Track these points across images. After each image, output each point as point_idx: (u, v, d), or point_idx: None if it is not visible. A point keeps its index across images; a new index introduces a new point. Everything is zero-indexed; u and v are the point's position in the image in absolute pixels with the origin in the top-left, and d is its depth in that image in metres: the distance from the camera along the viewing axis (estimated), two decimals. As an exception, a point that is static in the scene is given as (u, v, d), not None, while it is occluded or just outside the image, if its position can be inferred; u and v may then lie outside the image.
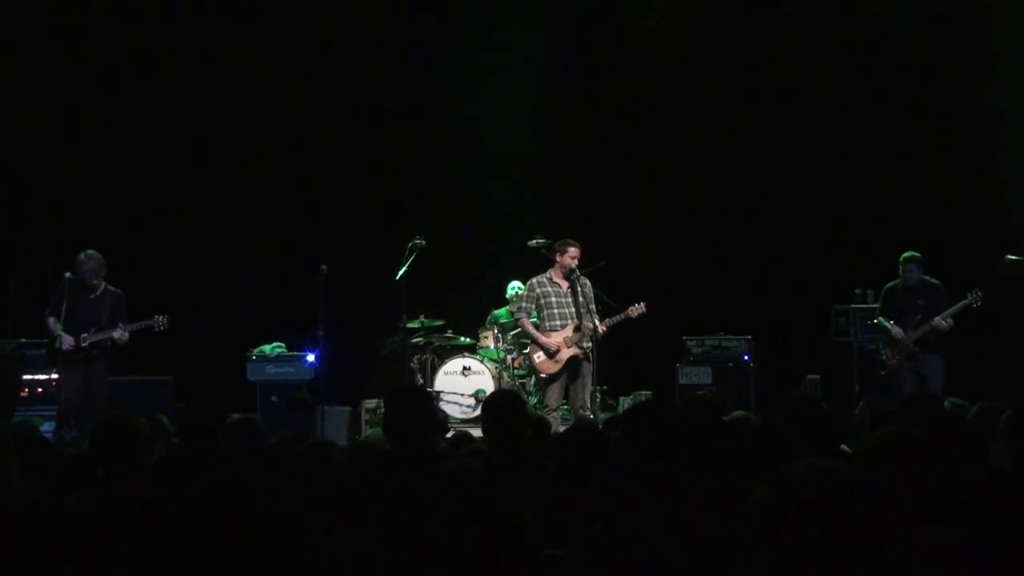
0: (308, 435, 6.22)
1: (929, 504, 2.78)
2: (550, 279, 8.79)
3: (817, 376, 10.11)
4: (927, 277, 8.99)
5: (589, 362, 8.61)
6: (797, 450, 3.85)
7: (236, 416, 5.05)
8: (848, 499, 1.42)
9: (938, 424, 3.58)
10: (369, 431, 9.21)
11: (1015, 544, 2.95)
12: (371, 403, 10.24)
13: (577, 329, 8.61)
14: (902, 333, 8.91)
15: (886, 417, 4.65)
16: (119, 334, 8.35)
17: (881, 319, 9.13)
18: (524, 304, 8.91)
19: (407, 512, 3.25)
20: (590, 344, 8.61)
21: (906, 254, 8.98)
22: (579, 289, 8.63)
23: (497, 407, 4.37)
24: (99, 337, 8.33)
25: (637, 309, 8.72)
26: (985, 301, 8.77)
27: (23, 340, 9.31)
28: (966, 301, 8.72)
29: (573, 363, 8.64)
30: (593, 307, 8.72)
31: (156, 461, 4.49)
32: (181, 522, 1.49)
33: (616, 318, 8.67)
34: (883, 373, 9.10)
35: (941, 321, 8.74)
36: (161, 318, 8.50)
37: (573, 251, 8.69)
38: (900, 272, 9.00)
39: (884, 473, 2.75)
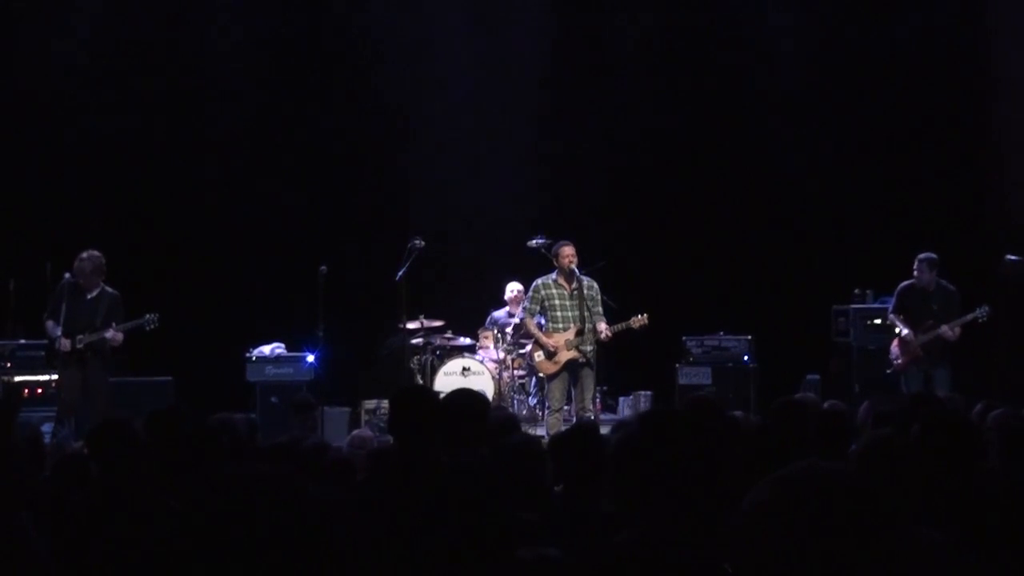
0: (309, 435, 6.26)
1: (925, 505, 2.78)
2: (555, 281, 8.80)
3: (817, 376, 10.12)
4: (943, 281, 8.99)
5: (590, 366, 8.60)
6: (799, 452, 3.85)
7: (218, 416, 5.01)
8: (847, 500, 1.41)
9: (939, 425, 3.57)
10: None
11: (1008, 544, 2.95)
12: (371, 403, 10.24)
13: (579, 333, 8.61)
14: (912, 335, 8.93)
15: (887, 418, 4.65)
16: (111, 335, 8.34)
17: (892, 317, 9.17)
18: (529, 305, 8.93)
19: (411, 512, 3.25)
20: (592, 347, 8.60)
21: (921, 255, 8.99)
22: (584, 292, 8.62)
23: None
24: (94, 339, 8.32)
25: (639, 320, 8.72)
26: (991, 314, 8.84)
27: (22, 341, 9.31)
28: (973, 315, 8.79)
29: (572, 366, 8.64)
30: (599, 309, 8.72)
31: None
32: (182, 522, 1.48)
33: (617, 327, 8.67)
34: (889, 371, 9.14)
35: (948, 331, 8.79)
36: (152, 317, 8.48)
37: (566, 251, 8.69)
38: (914, 272, 9.03)
39: (879, 474, 2.75)
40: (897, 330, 9.15)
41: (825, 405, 5.68)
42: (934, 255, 8.97)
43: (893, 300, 9.26)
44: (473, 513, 2.07)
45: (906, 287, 9.12)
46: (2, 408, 1.77)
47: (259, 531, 1.45)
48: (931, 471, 3.06)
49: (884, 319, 9.58)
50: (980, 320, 8.78)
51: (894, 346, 9.15)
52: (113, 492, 3.61)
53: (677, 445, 2.67)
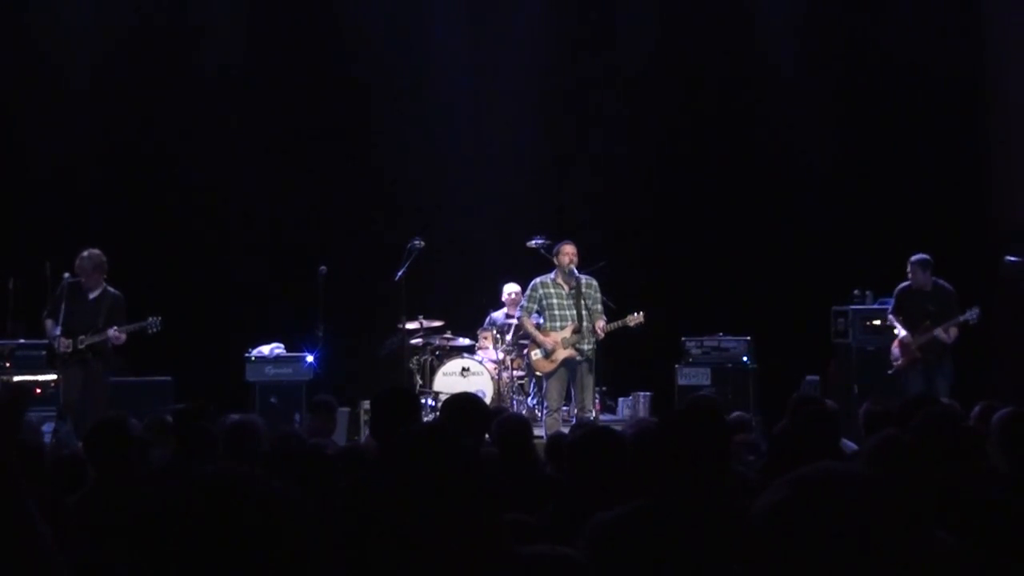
0: (328, 435, 6.30)
1: (927, 506, 2.78)
2: (554, 280, 8.81)
3: (816, 377, 10.12)
4: (940, 281, 9.00)
5: (589, 365, 8.60)
6: (801, 450, 3.85)
7: (235, 417, 5.03)
8: (864, 502, 1.41)
9: (934, 426, 3.57)
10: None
11: (1011, 546, 2.95)
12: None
13: (576, 331, 8.61)
14: (910, 337, 8.95)
15: (882, 419, 4.66)
16: (114, 335, 8.33)
17: (892, 318, 9.19)
18: (526, 304, 8.93)
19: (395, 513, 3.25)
20: (591, 346, 8.60)
21: (913, 257, 9.00)
22: (583, 290, 8.62)
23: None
24: (96, 339, 8.31)
25: (635, 319, 8.74)
26: (984, 314, 8.83)
27: (22, 341, 9.31)
28: (964, 317, 8.78)
29: (570, 364, 8.64)
30: (598, 307, 8.73)
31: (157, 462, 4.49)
32: (177, 522, 1.48)
33: (614, 325, 8.68)
34: (889, 372, 9.15)
35: (942, 333, 8.79)
36: (154, 320, 8.47)
37: (567, 250, 8.70)
38: (907, 275, 9.04)
39: (884, 475, 2.76)
40: (896, 331, 9.17)
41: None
42: (926, 256, 8.98)
43: (892, 301, 9.29)
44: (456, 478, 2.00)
45: (903, 288, 9.15)
46: (10, 406, 1.76)
47: (236, 532, 1.44)
48: (926, 472, 3.06)
49: (883, 320, 9.59)
50: (971, 323, 8.79)
51: (894, 347, 9.17)
52: (111, 491, 3.61)
53: (709, 427, 2.75)
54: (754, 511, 1.45)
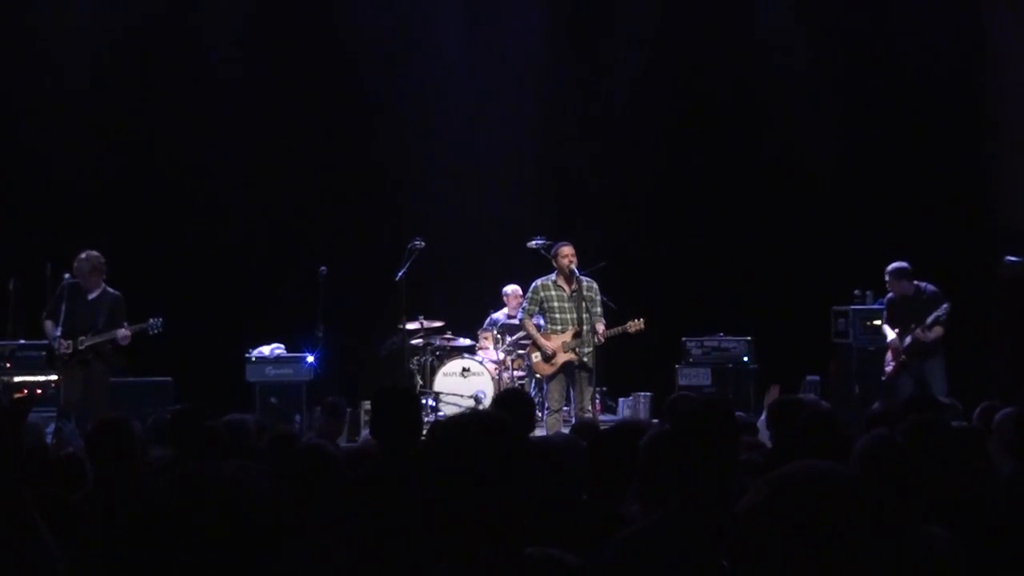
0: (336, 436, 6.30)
1: (916, 505, 2.78)
2: (555, 282, 8.78)
3: (816, 377, 10.12)
4: (923, 284, 9.00)
5: (587, 369, 8.59)
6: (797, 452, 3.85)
7: (224, 418, 5.02)
8: (845, 499, 1.41)
9: (925, 425, 3.56)
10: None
11: (1009, 545, 2.95)
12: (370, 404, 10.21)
13: (577, 335, 8.59)
14: (897, 341, 8.99)
15: (877, 420, 4.66)
16: (122, 334, 8.30)
17: (885, 327, 9.23)
18: (528, 305, 8.91)
19: (396, 510, 3.27)
20: (590, 350, 8.58)
21: (888, 267, 9.02)
22: (584, 293, 8.61)
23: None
24: (97, 340, 8.29)
25: (635, 325, 8.70)
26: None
27: (22, 341, 9.31)
28: (935, 314, 8.81)
29: (569, 368, 8.63)
30: (598, 310, 8.71)
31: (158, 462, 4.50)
32: (173, 520, 1.48)
33: (614, 331, 8.67)
34: (883, 379, 9.17)
35: (920, 333, 8.81)
36: (155, 321, 8.45)
37: (565, 251, 8.67)
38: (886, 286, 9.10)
39: (878, 473, 2.76)
40: (888, 340, 9.21)
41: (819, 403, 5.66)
42: (901, 264, 9.01)
43: (884, 311, 9.32)
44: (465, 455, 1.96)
45: (889, 299, 9.21)
46: (13, 411, 1.76)
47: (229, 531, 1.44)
48: (917, 472, 3.06)
49: (884, 320, 9.60)
50: (941, 319, 8.79)
51: (888, 355, 9.20)
52: (111, 491, 3.61)
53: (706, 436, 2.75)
54: (737, 510, 1.45)
